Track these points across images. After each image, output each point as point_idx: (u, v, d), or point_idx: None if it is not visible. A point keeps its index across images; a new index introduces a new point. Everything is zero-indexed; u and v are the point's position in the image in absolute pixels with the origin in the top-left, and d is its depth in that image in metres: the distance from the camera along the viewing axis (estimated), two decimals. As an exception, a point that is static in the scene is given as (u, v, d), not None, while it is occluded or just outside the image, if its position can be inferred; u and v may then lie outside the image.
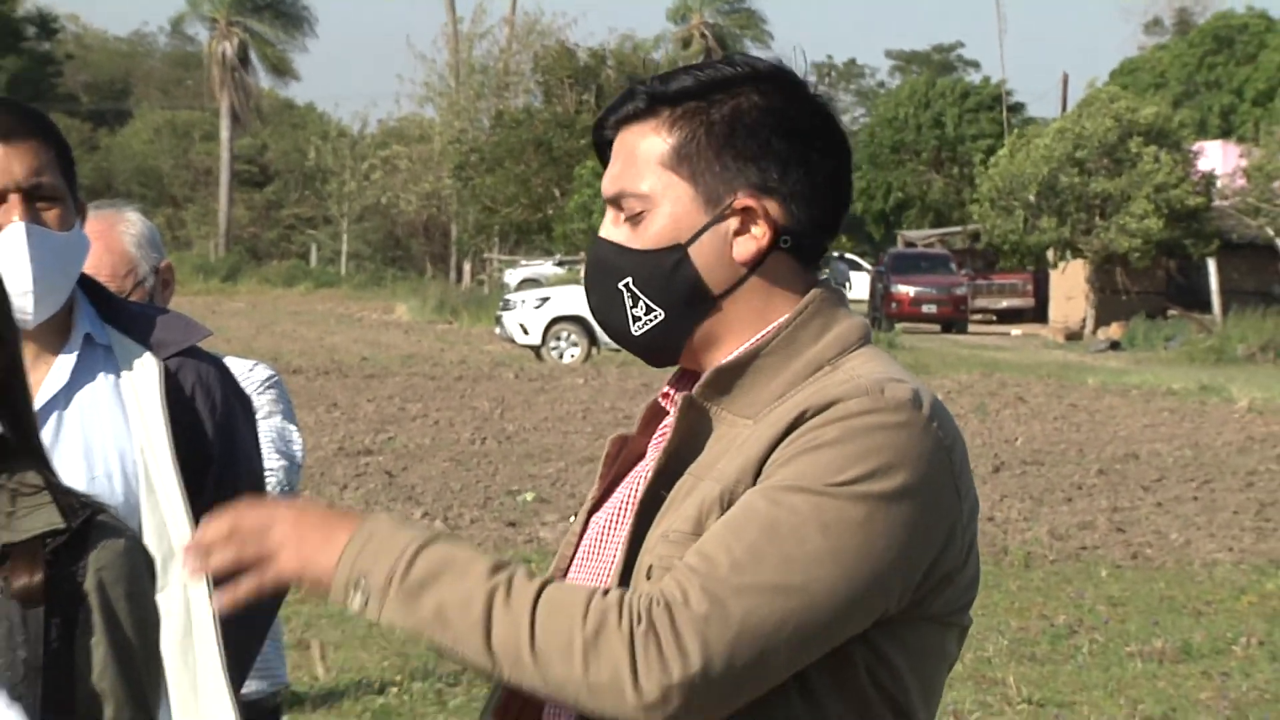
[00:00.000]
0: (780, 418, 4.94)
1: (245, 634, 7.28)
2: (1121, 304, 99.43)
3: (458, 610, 4.92)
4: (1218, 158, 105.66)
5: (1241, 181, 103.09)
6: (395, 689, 20.64)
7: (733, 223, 5.05)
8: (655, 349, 5.23)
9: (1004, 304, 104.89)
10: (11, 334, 5.51)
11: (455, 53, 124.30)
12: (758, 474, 4.90)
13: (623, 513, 5.32)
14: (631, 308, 5.16)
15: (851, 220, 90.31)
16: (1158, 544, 32.19)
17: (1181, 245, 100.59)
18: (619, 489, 5.45)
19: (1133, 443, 47.50)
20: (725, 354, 5.12)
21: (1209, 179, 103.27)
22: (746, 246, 5.04)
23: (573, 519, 5.58)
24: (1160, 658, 22.80)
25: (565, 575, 5.50)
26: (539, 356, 71.83)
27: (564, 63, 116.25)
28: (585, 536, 5.48)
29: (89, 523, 5.41)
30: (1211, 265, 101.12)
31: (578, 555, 5.50)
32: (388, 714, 19.52)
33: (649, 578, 4.94)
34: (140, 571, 5.58)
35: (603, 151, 5.30)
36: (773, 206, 5.04)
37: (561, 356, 71.26)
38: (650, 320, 5.12)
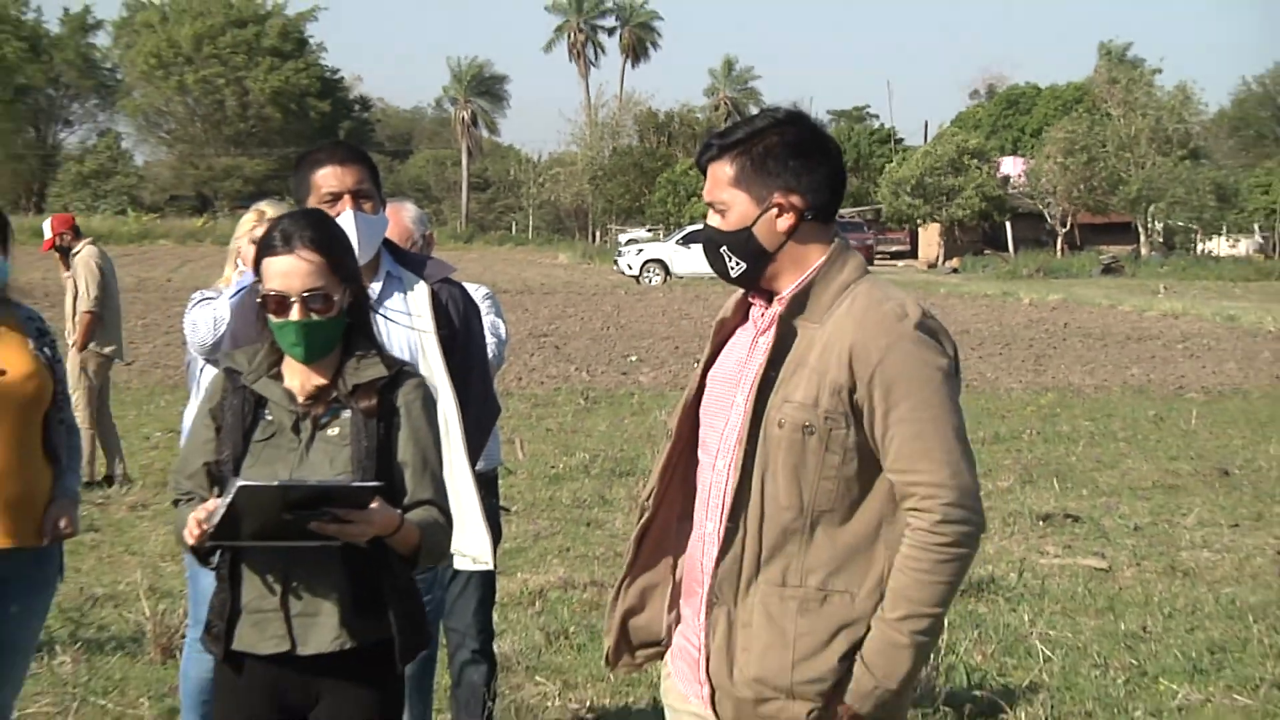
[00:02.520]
0: (839, 326, 5.00)
1: (477, 431, 7.27)
2: (958, 247, 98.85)
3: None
4: (1010, 167, 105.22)
5: (1022, 180, 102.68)
6: (562, 464, 20.44)
7: (773, 211, 5.12)
8: (743, 283, 5.22)
9: (893, 249, 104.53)
10: (359, 272, 5.82)
11: (589, 114, 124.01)
12: (848, 367, 4.93)
13: (739, 381, 5.21)
14: (728, 262, 5.17)
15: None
16: (979, 380, 31.76)
17: (990, 215, 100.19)
18: (723, 356, 5.36)
19: (965, 323, 46.86)
20: (783, 285, 5.15)
21: (1006, 179, 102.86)
22: (784, 224, 5.11)
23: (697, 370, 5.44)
24: (981, 442, 22.49)
25: (696, 415, 5.37)
26: (637, 282, 71.05)
27: (649, 120, 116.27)
28: (707, 392, 5.35)
29: (400, 371, 5.63)
30: (1008, 225, 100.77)
31: (704, 404, 5.34)
32: (558, 480, 19.29)
33: (780, 426, 4.94)
34: (427, 397, 5.70)
35: (704, 171, 5.25)
36: (795, 199, 5.11)
37: (650, 282, 70.65)
38: (738, 268, 5.18)
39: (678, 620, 5.39)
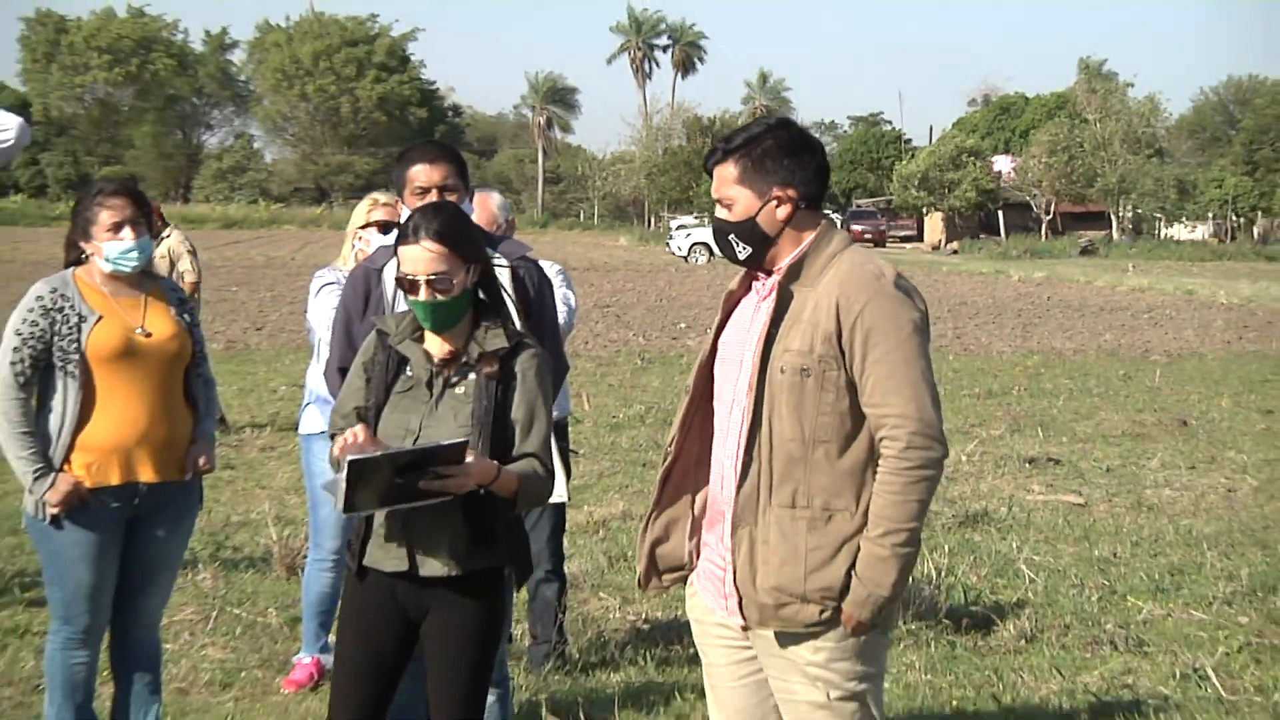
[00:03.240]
0: (828, 287, 5.13)
1: (556, 382, 7.23)
2: (958, 232, 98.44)
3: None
4: (1002, 164, 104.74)
5: (1012, 175, 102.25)
6: (622, 415, 20.39)
7: (773, 203, 5.18)
8: (749, 264, 5.25)
9: (902, 234, 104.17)
10: (483, 253, 5.92)
11: (646, 120, 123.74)
12: (835, 317, 5.07)
13: (745, 341, 5.27)
14: (736, 247, 5.22)
15: (830, 195, 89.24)
16: (975, 345, 31.76)
17: (985, 205, 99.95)
18: (731, 322, 5.43)
19: (963, 296, 46.80)
20: (782, 260, 5.22)
21: (999, 174, 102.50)
22: (782, 213, 5.19)
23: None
24: (976, 397, 22.63)
25: (709, 373, 5.44)
26: (685, 261, 70.96)
27: (695, 125, 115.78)
28: (719, 353, 5.41)
29: (519, 343, 5.71)
30: (1000, 214, 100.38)
31: (717, 363, 5.40)
32: (618, 427, 19.26)
33: (782, 372, 5.08)
34: (542, 365, 5.78)
35: (710, 173, 5.31)
36: (790, 191, 5.20)
37: (697, 261, 70.50)
38: (745, 251, 5.24)
39: (698, 548, 5.48)
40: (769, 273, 5.32)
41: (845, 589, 5.05)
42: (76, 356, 7.03)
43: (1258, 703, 8.93)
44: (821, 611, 5.07)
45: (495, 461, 5.62)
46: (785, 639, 5.15)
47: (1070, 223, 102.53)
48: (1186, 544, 13.15)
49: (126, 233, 7.08)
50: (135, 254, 7.11)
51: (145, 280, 7.29)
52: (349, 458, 5.30)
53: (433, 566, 5.69)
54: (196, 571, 10.77)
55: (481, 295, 5.88)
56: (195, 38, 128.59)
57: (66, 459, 7.06)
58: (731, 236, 5.28)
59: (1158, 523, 14.07)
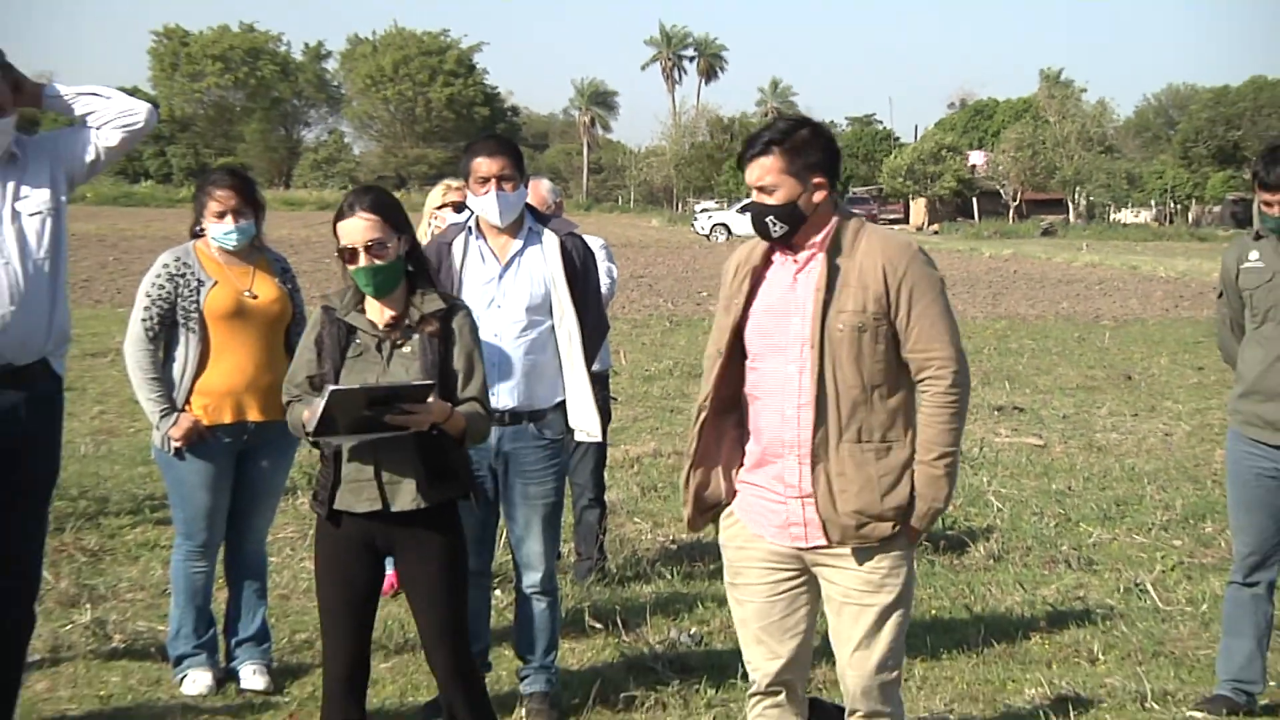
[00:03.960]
0: (869, 256, 5.17)
1: (592, 343, 7.19)
2: (938, 216, 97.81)
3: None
4: (977, 158, 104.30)
5: (985, 168, 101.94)
6: (653, 368, 20.32)
7: (812, 188, 5.07)
8: (782, 240, 5.13)
9: (890, 217, 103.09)
10: (409, 224, 5.83)
11: (675, 119, 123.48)
12: (883, 280, 5.14)
13: (787, 307, 5.23)
14: (772, 227, 5.12)
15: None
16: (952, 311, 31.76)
17: (962, 193, 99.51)
18: (761, 293, 5.32)
19: (943, 270, 45.25)
20: (806, 238, 5.19)
21: (974, 167, 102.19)
22: (818, 197, 5.12)
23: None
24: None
25: (740, 338, 5.35)
26: (708, 239, 70.59)
27: (716, 124, 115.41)
28: (753, 320, 5.31)
29: (453, 305, 5.66)
30: (975, 200, 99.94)
31: (750, 328, 5.31)
32: (650, 379, 19.20)
33: (840, 329, 5.09)
34: (474, 324, 5.76)
35: (742, 164, 5.23)
36: (822, 178, 5.11)
37: (717, 239, 70.13)
38: (780, 230, 5.13)
39: (734, 484, 5.43)
40: (795, 250, 5.25)
41: (910, 506, 5.14)
42: (196, 315, 7.14)
43: (1188, 612, 8.95)
44: (893, 527, 5.14)
45: (448, 404, 5.57)
46: (861, 555, 5.18)
47: (1033, 208, 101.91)
48: (1130, 479, 13.16)
49: (228, 220, 7.18)
50: (235, 236, 7.21)
51: (254, 252, 7.35)
52: (330, 387, 5.33)
53: (403, 501, 5.59)
54: (296, 497, 10.80)
55: (410, 268, 5.76)
56: (296, 49, 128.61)
57: (187, 401, 7.17)
58: (770, 218, 5.16)
59: (1105, 461, 14.08)
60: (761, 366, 5.28)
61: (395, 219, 5.69)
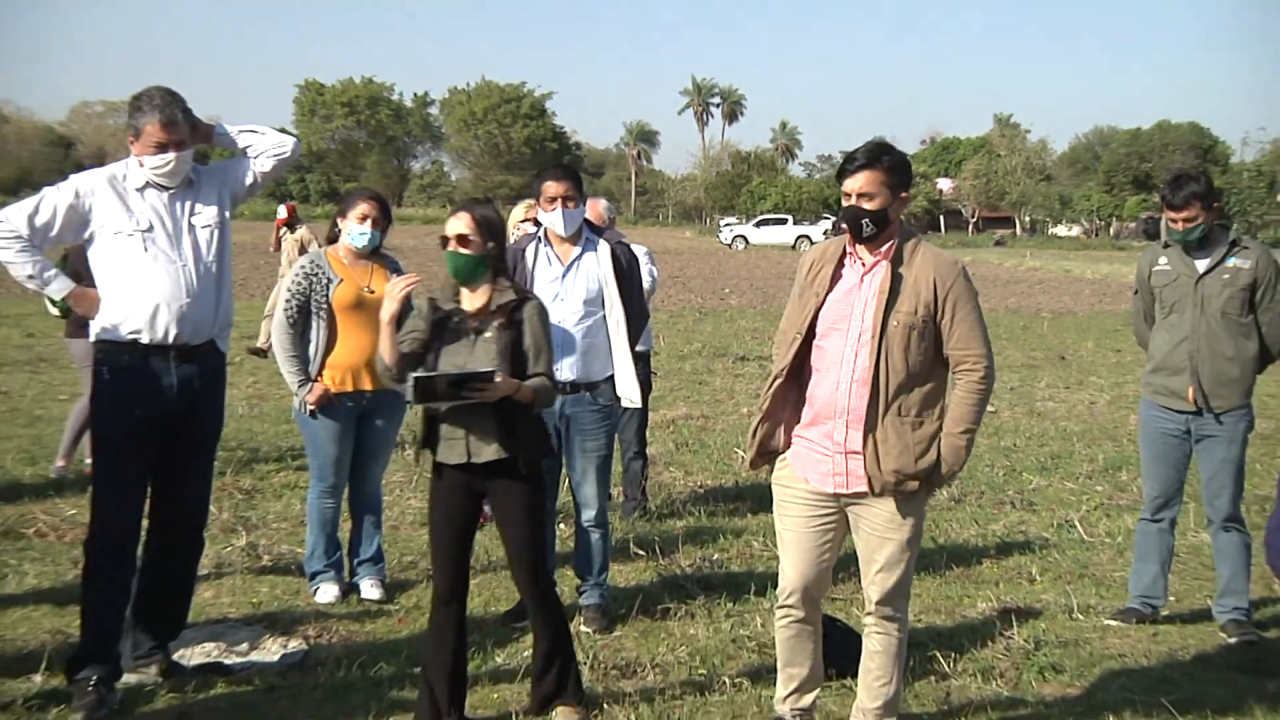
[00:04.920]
0: (922, 269, 5.23)
1: (636, 329, 7.18)
2: (913, 230, 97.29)
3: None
4: (944, 184, 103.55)
5: (950, 191, 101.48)
6: (686, 349, 20.31)
7: (899, 202, 5.19)
8: (868, 240, 5.18)
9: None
10: (501, 234, 5.77)
11: (704, 152, 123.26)
12: (933, 290, 5.19)
13: (852, 304, 5.25)
14: (865, 228, 5.15)
15: (825, 203, 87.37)
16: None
17: (932, 211, 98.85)
18: (836, 289, 5.31)
19: None
20: (881, 241, 5.25)
21: (941, 191, 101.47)
22: (901, 208, 5.21)
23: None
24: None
25: (815, 322, 5.31)
26: (729, 248, 70.02)
27: (737, 156, 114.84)
28: (826, 308, 5.29)
29: (524, 297, 5.61)
30: (941, 218, 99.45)
31: (823, 315, 5.30)
32: (683, 358, 19.14)
33: (896, 325, 5.15)
34: (542, 312, 5.78)
35: (843, 175, 5.24)
36: (906, 193, 5.26)
37: (737, 248, 69.43)
38: (870, 230, 5.16)
39: (791, 439, 5.42)
40: (867, 252, 5.27)
41: (935, 468, 5.22)
42: (326, 306, 7.21)
43: (1107, 543, 8.95)
44: (920, 484, 5.23)
45: (518, 380, 5.54)
46: (891, 501, 5.25)
47: (987, 224, 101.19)
48: (1062, 438, 13.09)
49: (367, 224, 7.27)
50: (367, 238, 7.27)
51: (375, 256, 7.40)
52: (412, 375, 5.38)
53: (486, 454, 5.57)
54: (404, 450, 10.84)
55: (495, 268, 5.72)
56: (407, 97, 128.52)
57: (319, 373, 7.23)
58: (865, 220, 5.17)
59: (1043, 424, 13.99)
60: (826, 346, 5.28)
61: (488, 226, 5.66)
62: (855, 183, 5.18)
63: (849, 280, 5.29)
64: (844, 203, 5.23)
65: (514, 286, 5.78)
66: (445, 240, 5.64)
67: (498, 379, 5.43)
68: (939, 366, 5.27)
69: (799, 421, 5.39)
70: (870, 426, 5.18)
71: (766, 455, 5.46)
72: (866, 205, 5.17)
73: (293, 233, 15.90)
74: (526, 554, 5.72)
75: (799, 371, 5.36)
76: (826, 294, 5.29)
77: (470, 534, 5.80)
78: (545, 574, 5.87)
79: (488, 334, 5.61)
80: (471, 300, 5.68)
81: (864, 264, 5.27)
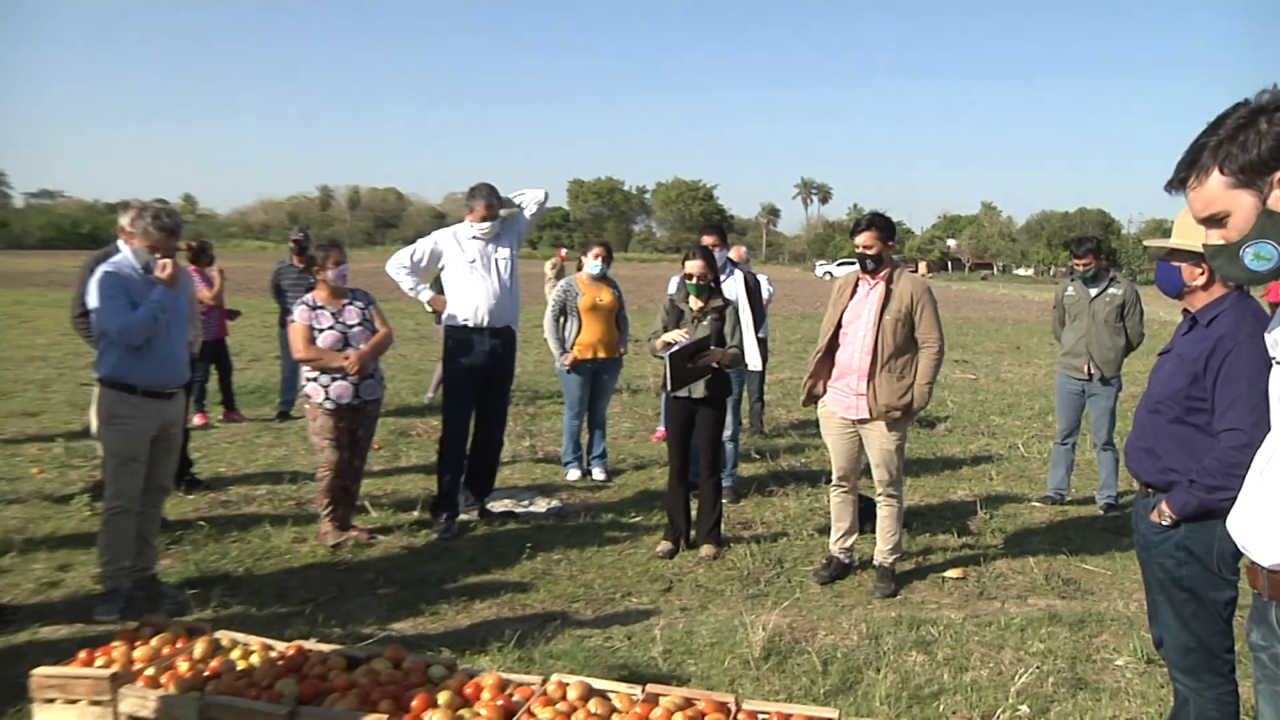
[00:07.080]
0: (904, 287, 4.97)
1: (759, 326, 7.00)
2: (932, 268, 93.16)
3: None
4: (952, 243, 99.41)
5: (955, 247, 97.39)
6: (789, 339, 19.95)
7: (888, 249, 5.09)
8: (870, 272, 4.98)
9: (909, 270, 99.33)
10: (716, 271, 5.53)
11: (808, 222, 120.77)
12: (911, 300, 4.92)
13: (862, 309, 5.01)
14: (869, 264, 5.00)
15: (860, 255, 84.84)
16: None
17: (943, 258, 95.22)
18: (854, 301, 5.08)
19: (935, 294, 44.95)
20: (881, 273, 4.99)
21: (950, 246, 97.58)
22: (892, 250, 5.11)
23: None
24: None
25: (841, 320, 5.05)
26: (821, 279, 67.08)
27: (826, 224, 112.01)
28: (847, 312, 5.08)
29: (726, 303, 5.43)
30: (949, 263, 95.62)
31: (845, 318, 5.05)
32: (789, 343, 18.77)
33: (888, 318, 4.89)
34: (735, 312, 5.47)
35: (854, 233, 4.90)
36: (891, 243, 5.10)
37: (828, 278, 65.52)
38: (872, 265, 4.98)
39: (827, 388, 5.23)
40: (872, 277, 5.06)
41: (910, 404, 5.00)
42: (574, 308, 7.13)
43: (1037, 458, 8.48)
44: (901, 413, 5.02)
45: (724, 349, 5.46)
46: (884, 423, 5.05)
47: (976, 267, 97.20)
48: (1015, 395, 12.41)
49: (600, 260, 7.13)
50: (598, 267, 7.14)
51: (605, 279, 7.28)
52: (666, 353, 5.24)
53: (698, 392, 5.50)
54: (621, 394, 10.78)
55: (711, 286, 5.63)
56: (631, 186, 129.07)
57: (572, 347, 7.14)
58: (869, 261, 4.96)
59: (1005, 386, 13.29)
60: (848, 331, 5.12)
61: (711, 267, 5.62)
62: (861, 238, 5.03)
63: (860, 294, 5.13)
64: (856, 250, 5.06)
65: (721, 295, 5.70)
66: (688, 276, 5.59)
67: (712, 347, 5.42)
68: (913, 344, 5.04)
69: (829, 377, 5.24)
70: (871, 378, 5.02)
71: (813, 397, 5.30)
72: (869, 252, 5.02)
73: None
74: (708, 451, 5.68)
75: (831, 348, 5.20)
76: (848, 302, 5.14)
77: (689, 434, 5.70)
78: (718, 464, 5.77)
79: (705, 322, 5.57)
80: (697, 304, 5.65)
81: (870, 284, 5.11)
